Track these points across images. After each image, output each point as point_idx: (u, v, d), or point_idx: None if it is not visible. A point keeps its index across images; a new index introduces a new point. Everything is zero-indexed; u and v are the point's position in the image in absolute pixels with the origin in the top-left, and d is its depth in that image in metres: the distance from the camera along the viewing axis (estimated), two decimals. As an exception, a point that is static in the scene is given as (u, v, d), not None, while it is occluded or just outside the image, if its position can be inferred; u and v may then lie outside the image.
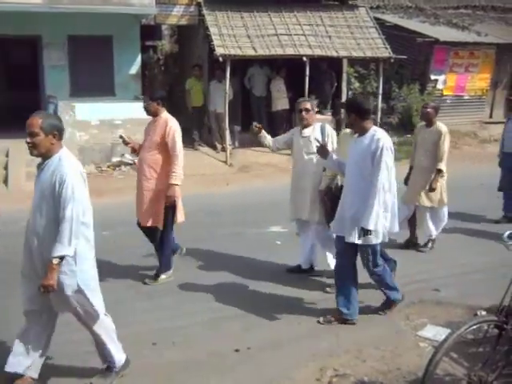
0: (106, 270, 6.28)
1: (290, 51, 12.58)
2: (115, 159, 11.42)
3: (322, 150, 5.15)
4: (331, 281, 5.49)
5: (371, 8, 15.37)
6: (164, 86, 18.05)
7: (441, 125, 6.84)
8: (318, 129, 5.78)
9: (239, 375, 4.30)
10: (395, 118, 14.25)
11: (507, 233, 3.92)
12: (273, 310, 5.38)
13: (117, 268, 6.43)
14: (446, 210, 7.03)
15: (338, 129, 13.74)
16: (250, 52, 12.37)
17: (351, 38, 13.35)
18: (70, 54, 12.85)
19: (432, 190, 6.74)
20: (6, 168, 10.58)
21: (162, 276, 5.98)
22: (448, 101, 15.42)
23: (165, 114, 5.82)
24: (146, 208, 5.81)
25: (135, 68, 13.53)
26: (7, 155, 10.88)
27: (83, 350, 4.38)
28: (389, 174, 4.66)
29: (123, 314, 5.22)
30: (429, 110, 6.82)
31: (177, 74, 17.06)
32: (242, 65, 13.36)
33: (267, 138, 6.05)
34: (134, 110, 11.83)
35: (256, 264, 6.56)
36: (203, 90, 13.14)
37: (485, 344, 3.70)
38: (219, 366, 4.41)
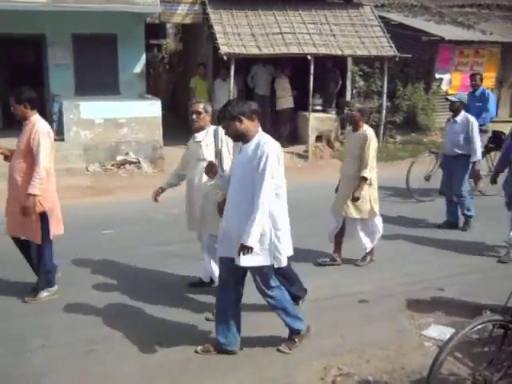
0: (108, 269, 6.31)
1: (294, 50, 12.55)
2: (120, 158, 11.43)
3: (210, 169, 4.60)
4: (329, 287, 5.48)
5: (376, 6, 15.31)
6: (168, 85, 18.10)
7: (367, 128, 6.23)
8: (212, 133, 5.28)
9: (242, 374, 4.29)
10: (400, 116, 14.20)
11: (512, 232, 3.92)
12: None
13: (118, 267, 6.42)
14: (378, 221, 6.39)
15: (342, 127, 13.77)
16: (255, 50, 12.36)
17: (356, 36, 13.32)
18: (75, 52, 12.87)
19: (355, 199, 6.10)
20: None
21: (43, 293, 5.44)
22: (453, 99, 15.34)
23: (34, 118, 5.28)
24: (15, 219, 5.28)
25: (140, 67, 13.54)
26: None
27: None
28: (277, 185, 4.19)
29: (127, 312, 5.23)
30: (354, 112, 6.19)
31: (181, 72, 17.07)
32: (245, 63, 13.35)
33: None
34: (139, 108, 11.88)
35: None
36: (208, 89, 13.13)
37: (490, 344, 3.69)
38: (223, 364, 4.40)
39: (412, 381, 4.19)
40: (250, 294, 5.58)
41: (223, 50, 12.01)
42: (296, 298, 5.05)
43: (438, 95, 14.79)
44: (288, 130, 13.58)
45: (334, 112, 13.78)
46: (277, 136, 13.54)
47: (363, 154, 6.08)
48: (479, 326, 3.54)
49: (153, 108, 11.84)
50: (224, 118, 4.19)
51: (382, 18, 14.37)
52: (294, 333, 4.59)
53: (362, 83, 14.27)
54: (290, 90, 13.47)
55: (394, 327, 5.01)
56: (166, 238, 7.38)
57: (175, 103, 16.93)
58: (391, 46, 13.24)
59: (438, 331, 4.87)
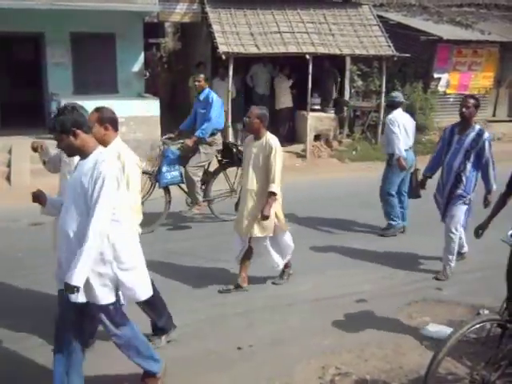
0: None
1: (292, 49, 12.55)
2: (118, 157, 11.41)
3: (36, 197, 3.91)
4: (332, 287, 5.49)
5: (374, 6, 15.31)
6: (167, 84, 18.08)
7: (271, 137, 5.52)
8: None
9: (241, 372, 4.30)
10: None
11: (511, 231, 3.93)
12: (274, 307, 5.38)
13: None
14: (287, 236, 5.78)
15: (341, 127, 13.79)
16: (253, 50, 12.35)
17: (354, 35, 13.33)
18: (73, 51, 12.86)
19: (264, 218, 5.40)
20: (9, 165, 10.59)
21: None
22: (451, 99, 15.37)
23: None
24: None
25: (138, 66, 13.53)
26: (10, 152, 10.89)
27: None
28: (118, 209, 3.54)
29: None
30: (252, 119, 5.49)
31: (180, 71, 17.04)
32: (244, 63, 13.35)
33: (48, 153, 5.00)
34: (137, 107, 11.87)
35: (257, 261, 6.54)
36: (206, 88, 13.10)
37: (487, 343, 3.70)
38: (221, 363, 4.41)
39: (410, 380, 4.20)
40: (251, 292, 5.58)
41: (222, 49, 12.01)
42: (160, 332, 4.65)
43: (436, 95, 14.80)
44: (286, 130, 13.60)
45: (332, 111, 13.79)
46: (275, 135, 13.57)
47: (269, 166, 5.40)
48: (477, 326, 3.56)
49: (151, 107, 11.84)
50: (54, 129, 3.49)
51: (380, 17, 14.38)
52: (149, 375, 4.03)
53: (360, 83, 14.28)
54: (288, 89, 13.49)
55: (393, 327, 5.03)
56: (165, 236, 7.39)
57: (174, 102, 16.92)
58: (389, 46, 13.26)
59: (436, 330, 4.87)
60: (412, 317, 5.24)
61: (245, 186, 5.64)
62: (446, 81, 15.18)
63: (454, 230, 6.01)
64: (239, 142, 13.17)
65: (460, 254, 6.42)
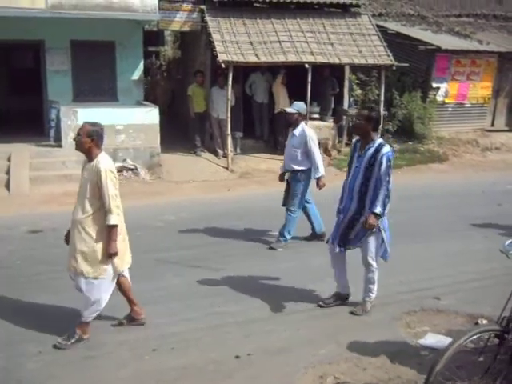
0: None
1: (292, 58, 12.59)
2: (117, 164, 11.39)
3: None
4: (327, 294, 5.52)
5: (373, 16, 15.40)
6: (166, 92, 18.13)
7: (102, 158, 4.64)
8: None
9: (239, 382, 4.29)
10: (394, 125, 14.24)
11: (508, 241, 3.94)
12: (272, 317, 5.38)
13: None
14: (105, 282, 4.74)
15: (339, 135, 13.81)
16: (253, 59, 12.39)
17: (353, 45, 13.38)
18: (73, 58, 12.91)
19: (110, 255, 4.64)
20: (7, 173, 10.58)
21: None
22: (450, 108, 15.44)
23: None
24: None
25: (138, 73, 13.57)
26: (9, 160, 10.89)
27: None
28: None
29: (117, 314, 5.22)
30: (82, 137, 4.61)
31: (179, 79, 17.10)
32: (243, 71, 13.39)
33: None
34: (137, 115, 11.89)
35: (256, 271, 6.55)
36: (205, 96, 13.17)
37: (486, 353, 3.70)
38: (219, 372, 4.40)
39: (408, 389, 4.19)
40: (250, 302, 5.58)
41: (221, 57, 12.05)
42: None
43: (434, 104, 14.86)
44: (283, 137, 13.59)
45: (331, 120, 13.82)
46: (274, 143, 13.62)
47: (101, 193, 4.54)
48: (475, 336, 3.55)
49: (150, 115, 11.86)
50: None
51: (379, 27, 14.44)
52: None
53: (359, 91, 14.32)
54: (287, 97, 13.53)
55: (391, 336, 5.02)
56: (163, 244, 7.38)
57: (173, 110, 16.96)
58: (388, 55, 13.31)
59: (435, 340, 4.87)
60: (410, 326, 5.23)
61: (74, 216, 4.69)
62: (445, 90, 15.25)
63: (370, 261, 5.29)
64: (238, 151, 13.24)
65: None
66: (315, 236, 7.61)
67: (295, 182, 7.25)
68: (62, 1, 11.24)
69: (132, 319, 5.11)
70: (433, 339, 4.89)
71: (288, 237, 7.33)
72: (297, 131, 7.15)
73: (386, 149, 5.06)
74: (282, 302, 5.68)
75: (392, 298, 5.81)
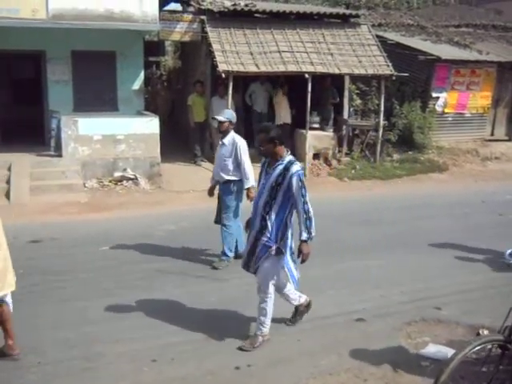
0: (105, 286, 6.29)
1: (292, 68, 12.63)
2: (117, 174, 11.43)
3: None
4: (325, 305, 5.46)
5: (373, 26, 15.47)
6: (167, 102, 18.19)
7: None
8: None
9: (239, 393, 4.26)
10: (394, 135, 14.26)
11: (509, 251, 3.93)
12: (273, 327, 5.35)
13: (115, 283, 6.39)
14: None
15: (340, 145, 13.83)
16: (253, 69, 12.43)
17: (353, 55, 13.43)
18: (74, 68, 12.96)
19: None
20: (8, 182, 10.59)
21: None
22: (449, 118, 15.47)
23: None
24: None
25: (138, 83, 13.61)
26: (9, 169, 10.89)
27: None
28: None
29: (123, 330, 5.20)
30: None
31: (179, 89, 17.15)
32: (243, 81, 13.44)
33: None
34: (137, 125, 11.91)
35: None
36: (205, 106, 13.20)
37: (488, 363, 3.67)
38: (219, 383, 4.37)
39: (409, 401, 4.17)
40: (250, 312, 5.56)
41: (221, 67, 12.09)
42: None
43: (434, 114, 14.89)
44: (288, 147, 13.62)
45: (331, 130, 13.85)
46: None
47: None
48: (478, 347, 3.54)
49: (151, 125, 11.87)
50: None
51: (379, 37, 14.50)
52: None
53: (359, 101, 14.37)
54: (288, 107, 13.58)
55: (392, 346, 4.99)
56: (164, 254, 7.36)
57: (173, 120, 17.00)
58: (388, 65, 13.35)
59: (436, 350, 4.84)
60: (411, 337, 5.21)
61: None
62: (444, 100, 15.29)
63: (264, 288, 4.93)
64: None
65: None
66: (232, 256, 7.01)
67: (227, 194, 6.85)
68: (63, 11, 11.29)
69: (2, 354, 4.56)
70: (434, 350, 4.87)
71: (230, 254, 6.92)
72: (226, 140, 6.80)
73: (296, 167, 4.81)
74: (282, 313, 5.66)
75: (392, 308, 5.79)
